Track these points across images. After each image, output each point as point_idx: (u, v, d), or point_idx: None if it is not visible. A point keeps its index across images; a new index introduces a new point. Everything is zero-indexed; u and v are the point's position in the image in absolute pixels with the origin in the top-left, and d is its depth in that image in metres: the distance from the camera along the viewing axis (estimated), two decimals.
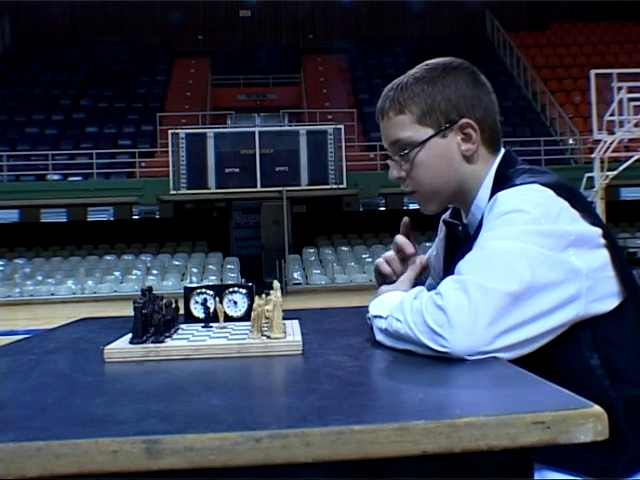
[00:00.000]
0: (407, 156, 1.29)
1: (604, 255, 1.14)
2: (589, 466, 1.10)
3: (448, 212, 1.46)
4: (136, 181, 17.97)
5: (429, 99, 1.28)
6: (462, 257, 1.12)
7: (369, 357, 1.14)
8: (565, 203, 1.14)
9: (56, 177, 18.45)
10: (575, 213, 1.14)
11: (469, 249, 1.14)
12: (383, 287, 1.32)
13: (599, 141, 13.11)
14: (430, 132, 1.28)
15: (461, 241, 1.34)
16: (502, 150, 1.33)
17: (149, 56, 23.44)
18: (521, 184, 1.17)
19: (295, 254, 18.06)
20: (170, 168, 16.85)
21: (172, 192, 16.94)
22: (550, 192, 1.14)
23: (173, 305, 1.31)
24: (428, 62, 1.34)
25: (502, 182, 1.23)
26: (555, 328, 1.07)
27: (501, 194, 1.17)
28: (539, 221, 1.09)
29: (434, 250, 1.56)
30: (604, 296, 1.13)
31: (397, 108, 1.30)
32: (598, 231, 1.15)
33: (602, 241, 1.15)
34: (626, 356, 1.14)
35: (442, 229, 1.50)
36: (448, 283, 1.05)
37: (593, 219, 1.16)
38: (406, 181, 1.33)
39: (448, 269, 1.31)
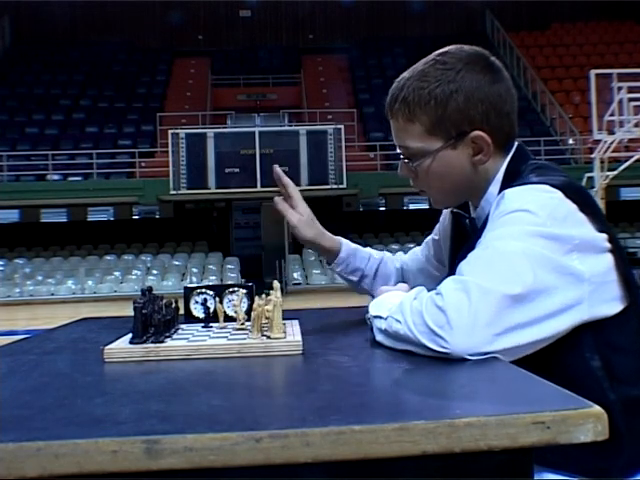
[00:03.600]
0: (415, 165, 1.27)
1: (608, 260, 1.13)
2: (586, 467, 1.10)
3: None
4: (136, 181, 17.98)
5: (440, 109, 1.22)
6: (466, 253, 1.11)
7: (369, 357, 1.14)
8: (573, 206, 1.12)
9: (56, 177, 18.46)
10: (582, 217, 1.12)
11: (473, 245, 1.13)
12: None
13: (599, 141, 13.10)
14: (439, 143, 1.24)
15: (468, 234, 1.33)
16: (515, 144, 1.29)
17: (149, 56, 23.45)
18: (531, 183, 1.15)
19: (295, 254, 18.06)
20: (170, 168, 16.84)
21: (172, 192, 16.93)
22: (559, 194, 1.12)
23: (173, 305, 1.31)
24: (443, 56, 1.26)
25: (513, 178, 1.21)
26: (556, 332, 1.06)
27: (509, 191, 1.14)
28: (545, 223, 1.07)
29: (437, 234, 1.55)
30: (607, 300, 1.12)
31: (406, 115, 1.25)
32: (604, 236, 1.13)
33: (607, 246, 1.13)
34: (627, 359, 1.14)
35: (447, 217, 1.49)
36: (449, 283, 1.04)
37: (600, 224, 1.14)
38: (416, 180, 1.32)
39: (454, 261, 1.30)
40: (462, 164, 1.25)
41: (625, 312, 1.14)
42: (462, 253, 1.15)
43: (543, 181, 1.15)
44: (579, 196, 1.14)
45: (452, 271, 1.14)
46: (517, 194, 1.13)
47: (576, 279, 1.07)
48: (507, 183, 1.21)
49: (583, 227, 1.12)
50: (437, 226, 1.56)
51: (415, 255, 1.65)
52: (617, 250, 1.15)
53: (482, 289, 1.01)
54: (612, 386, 1.11)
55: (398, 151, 1.32)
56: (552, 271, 1.05)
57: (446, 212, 1.50)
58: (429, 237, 1.61)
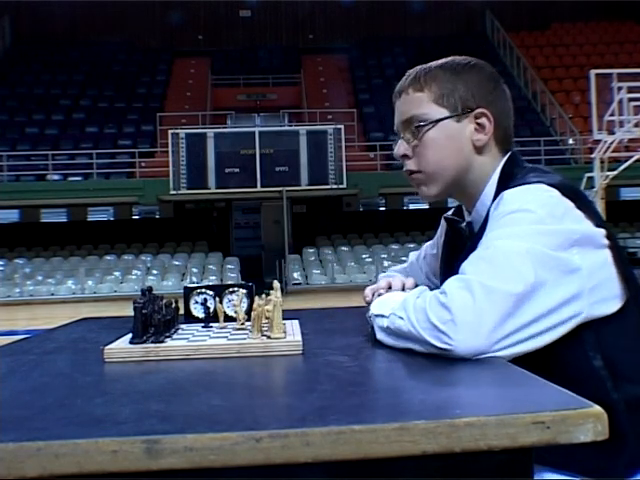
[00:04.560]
0: (418, 132, 1.29)
1: (607, 256, 1.14)
2: (588, 467, 1.10)
3: (451, 211, 1.46)
4: (136, 181, 17.97)
5: (450, 84, 1.29)
6: (466, 255, 1.12)
7: (369, 357, 1.14)
8: (570, 204, 1.14)
9: (56, 177, 18.45)
10: (580, 214, 1.14)
11: (473, 247, 1.14)
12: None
13: (599, 141, 13.10)
14: (445, 113, 1.28)
15: (463, 239, 1.33)
16: (510, 151, 1.33)
17: (149, 56, 23.44)
18: (527, 183, 1.17)
19: (295, 254, 18.05)
20: (170, 168, 16.83)
21: (172, 192, 16.92)
22: (556, 192, 1.14)
23: (173, 305, 1.31)
24: (455, 57, 1.36)
25: (508, 180, 1.23)
26: (558, 328, 1.06)
27: (507, 193, 1.16)
28: (544, 221, 1.09)
29: (434, 248, 1.56)
30: (607, 298, 1.13)
31: (417, 86, 1.31)
32: (602, 232, 1.15)
33: (606, 242, 1.15)
34: (629, 357, 1.14)
35: (443, 227, 1.50)
36: (452, 282, 1.05)
37: (597, 220, 1.16)
38: (411, 159, 1.33)
39: (448, 267, 1.31)
40: (462, 140, 1.29)
41: (625, 309, 1.15)
42: (462, 256, 1.16)
43: (540, 181, 1.17)
44: (575, 194, 1.17)
45: (445, 277, 1.15)
46: (516, 195, 1.15)
47: (576, 275, 1.08)
48: (502, 185, 1.23)
49: (582, 223, 1.14)
50: (433, 239, 1.57)
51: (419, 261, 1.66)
52: (615, 247, 1.16)
53: (485, 287, 1.02)
54: (615, 385, 1.11)
55: (396, 128, 1.35)
56: (553, 268, 1.06)
57: (443, 224, 1.51)
58: (425, 252, 1.61)
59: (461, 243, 1.33)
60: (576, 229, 1.11)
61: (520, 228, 1.09)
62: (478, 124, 1.28)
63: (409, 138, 1.31)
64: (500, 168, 1.28)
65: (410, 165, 1.33)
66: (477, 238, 1.18)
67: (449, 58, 1.34)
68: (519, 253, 1.05)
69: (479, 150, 1.29)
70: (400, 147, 1.33)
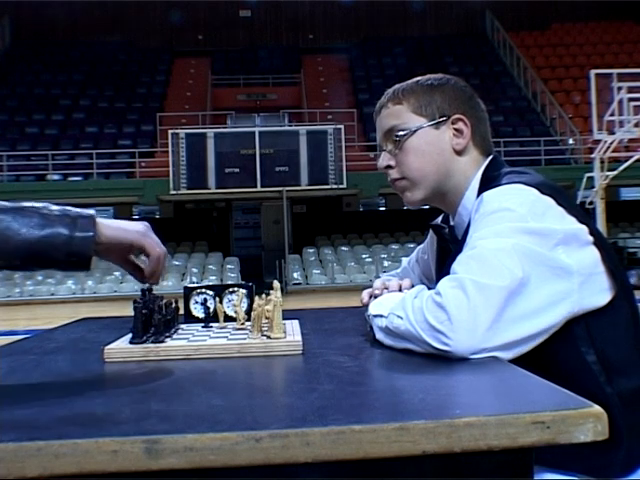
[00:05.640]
0: (399, 142, 1.33)
1: (593, 252, 1.16)
2: (586, 464, 1.10)
3: (440, 218, 1.47)
4: (136, 181, 17.96)
5: (427, 96, 1.34)
6: (453, 258, 1.13)
7: (369, 357, 1.14)
8: (550, 201, 1.16)
9: (56, 177, 18.44)
10: (561, 210, 1.16)
11: (459, 250, 1.15)
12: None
13: (599, 141, 13.11)
14: (424, 121, 1.33)
15: (449, 244, 1.36)
16: (491, 156, 1.36)
17: (149, 56, 23.44)
18: (505, 184, 1.20)
19: (295, 254, 18.05)
20: (170, 168, 16.83)
21: (172, 192, 16.92)
22: (534, 191, 1.16)
23: (173, 305, 1.31)
24: (431, 75, 1.41)
25: (488, 183, 1.26)
26: (550, 325, 1.07)
27: (486, 194, 1.19)
28: (526, 219, 1.11)
29: (425, 254, 1.58)
30: (596, 292, 1.14)
31: (396, 100, 1.36)
32: (585, 228, 1.16)
33: (590, 238, 1.16)
34: (621, 350, 1.16)
35: (432, 234, 1.52)
36: (445, 282, 1.06)
37: (578, 216, 1.18)
38: (394, 169, 1.36)
39: (439, 273, 1.33)
40: (442, 145, 1.32)
41: (614, 303, 1.16)
42: (449, 260, 1.17)
43: (517, 181, 1.19)
44: (554, 191, 1.18)
45: (438, 280, 1.16)
46: (494, 195, 1.17)
47: (564, 272, 1.09)
48: (483, 188, 1.25)
49: (564, 220, 1.15)
50: (421, 245, 1.61)
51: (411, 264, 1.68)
52: (600, 241, 1.17)
53: (477, 285, 1.03)
54: (608, 379, 1.12)
55: (378, 142, 1.39)
56: (540, 264, 1.07)
57: (430, 232, 1.53)
58: (417, 255, 1.64)
59: (448, 248, 1.35)
60: (559, 229, 1.12)
61: (502, 226, 1.10)
62: (456, 129, 1.33)
63: (391, 149, 1.35)
64: (481, 172, 1.31)
65: (394, 174, 1.37)
66: (462, 241, 1.20)
67: (425, 76, 1.39)
68: (505, 249, 1.07)
69: (459, 154, 1.32)
70: (383, 159, 1.37)
